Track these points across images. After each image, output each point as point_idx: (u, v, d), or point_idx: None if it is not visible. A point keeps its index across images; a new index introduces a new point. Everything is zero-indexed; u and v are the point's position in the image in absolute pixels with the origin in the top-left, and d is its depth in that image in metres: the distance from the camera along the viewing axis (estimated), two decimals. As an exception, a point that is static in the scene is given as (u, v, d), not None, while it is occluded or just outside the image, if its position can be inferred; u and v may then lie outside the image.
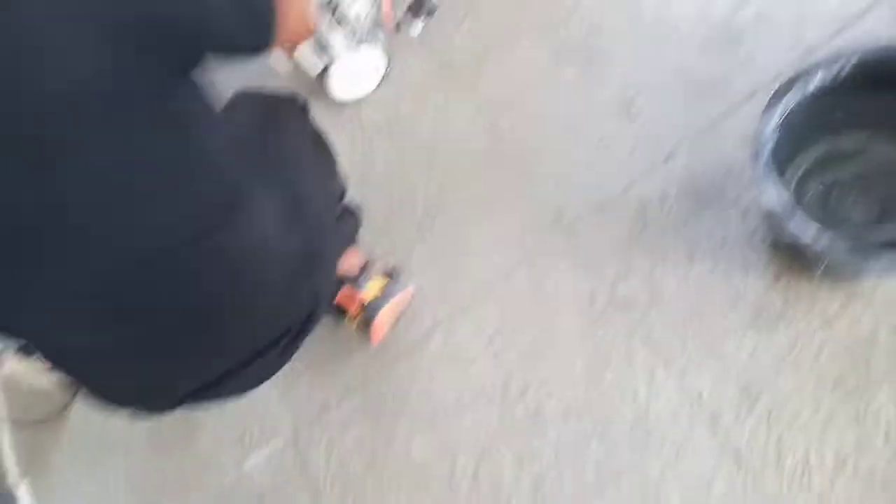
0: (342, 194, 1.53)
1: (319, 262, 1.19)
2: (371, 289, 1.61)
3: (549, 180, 1.66)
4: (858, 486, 1.24)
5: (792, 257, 1.39)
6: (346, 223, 1.57)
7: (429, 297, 1.68)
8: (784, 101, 1.25)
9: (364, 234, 1.78)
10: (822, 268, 1.31)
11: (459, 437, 1.53)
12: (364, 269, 1.66)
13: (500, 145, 1.75)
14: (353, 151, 1.92)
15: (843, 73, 1.27)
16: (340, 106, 1.96)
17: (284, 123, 1.32)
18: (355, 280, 1.62)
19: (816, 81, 1.27)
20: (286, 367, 1.72)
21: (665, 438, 1.38)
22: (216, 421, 1.79)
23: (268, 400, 1.75)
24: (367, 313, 1.60)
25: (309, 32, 1.11)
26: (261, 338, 1.12)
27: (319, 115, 1.91)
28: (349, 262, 1.63)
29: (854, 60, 1.25)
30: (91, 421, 1.97)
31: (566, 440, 1.45)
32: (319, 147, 1.44)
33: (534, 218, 1.65)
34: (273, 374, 1.23)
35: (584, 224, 1.59)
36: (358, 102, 1.96)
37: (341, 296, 1.63)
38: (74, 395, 2.02)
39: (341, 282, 1.62)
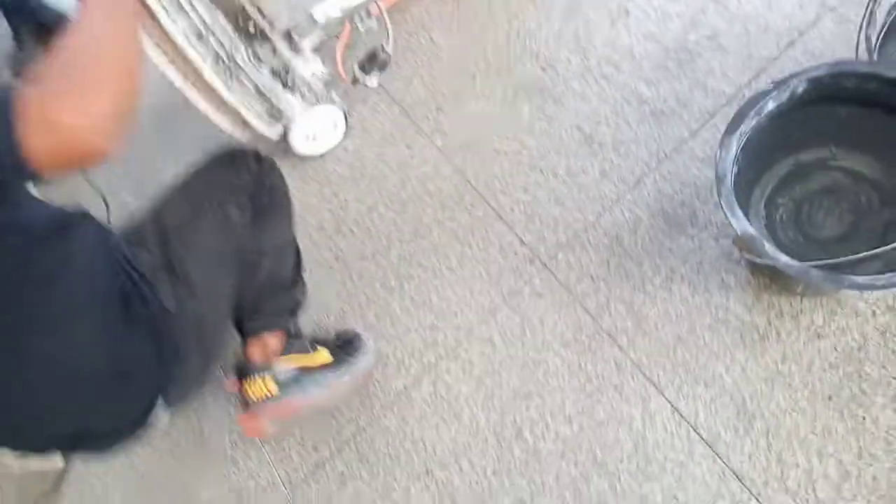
0: (275, 267, 1.38)
1: (171, 359, 1.11)
2: (257, 387, 1.40)
3: (521, 218, 1.57)
4: (864, 495, 1.16)
5: (771, 276, 1.31)
6: (275, 301, 1.41)
7: (413, 344, 1.56)
8: (740, 129, 1.17)
9: (341, 285, 1.67)
10: (801, 286, 1.23)
11: (458, 481, 1.42)
12: (280, 352, 1.43)
13: (467, 188, 1.65)
14: (321, 204, 1.80)
15: (797, 94, 1.20)
16: (305, 160, 1.85)
17: (220, 205, 1.22)
18: (254, 369, 1.41)
19: (770, 106, 1.19)
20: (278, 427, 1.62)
21: (665, 464, 1.28)
22: (211, 486, 1.65)
23: (261, 458, 1.62)
24: (245, 407, 1.43)
25: (102, 157, 0.77)
26: (87, 421, 1.08)
27: (286, 170, 1.81)
28: (264, 346, 1.42)
29: (805, 80, 1.18)
30: (85, 499, 1.81)
31: (567, 476, 1.34)
32: (268, 215, 1.32)
33: (509, 256, 1.54)
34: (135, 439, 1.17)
35: (561, 258, 1.49)
36: (322, 156, 1.85)
37: (228, 384, 1.47)
38: (64, 474, 1.87)
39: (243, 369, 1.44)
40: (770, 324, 1.30)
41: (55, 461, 1.87)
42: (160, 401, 1.12)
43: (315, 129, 1.75)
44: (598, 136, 1.56)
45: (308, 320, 1.66)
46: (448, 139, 1.72)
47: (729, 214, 1.10)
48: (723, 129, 1.17)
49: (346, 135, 1.84)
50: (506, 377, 1.45)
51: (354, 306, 1.65)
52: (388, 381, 1.55)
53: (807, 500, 1.18)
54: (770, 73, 1.45)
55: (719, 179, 1.12)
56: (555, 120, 1.62)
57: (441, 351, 1.53)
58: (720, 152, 1.14)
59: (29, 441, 1.10)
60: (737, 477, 1.23)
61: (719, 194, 1.12)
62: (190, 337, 1.13)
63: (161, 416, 1.14)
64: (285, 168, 1.76)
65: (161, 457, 1.75)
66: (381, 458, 1.50)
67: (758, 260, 1.08)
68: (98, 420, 1.09)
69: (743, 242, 1.09)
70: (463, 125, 1.72)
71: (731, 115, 1.18)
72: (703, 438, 1.27)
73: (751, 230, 1.08)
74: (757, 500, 1.21)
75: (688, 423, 1.29)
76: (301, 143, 1.77)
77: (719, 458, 1.25)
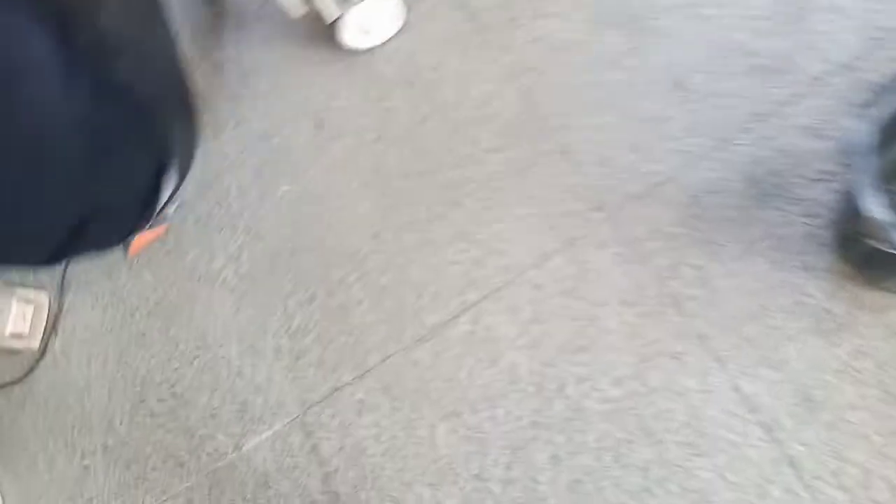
0: None
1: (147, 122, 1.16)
2: None
3: (590, 159, 1.46)
4: (922, 502, 1.16)
5: (861, 267, 1.25)
6: None
7: (454, 279, 1.47)
8: (883, 102, 1.09)
9: (377, 201, 1.56)
10: (898, 280, 1.19)
11: (490, 428, 1.37)
12: None
13: (534, 116, 1.53)
14: (364, 107, 1.66)
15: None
16: (351, 55, 1.69)
17: None
18: None
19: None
20: (294, 344, 1.53)
21: (718, 443, 1.25)
22: (210, 395, 1.57)
23: (271, 375, 1.54)
24: None
25: None
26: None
27: (326, 62, 1.66)
28: None
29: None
30: (60, 388, 1.71)
31: (609, 439, 1.30)
32: None
33: (573, 200, 1.45)
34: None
35: (630, 210, 1.41)
36: (371, 52, 1.69)
37: None
38: (40, 357, 1.75)
39: None
40: (849, 314, 1.25)
41: (29, 340, 1.74)
42: (167, 170, 1.15)
43: (372, 16, 1.59)
44: (691, 83, 1.45)
45: (339, 232, 1.56)
46: (517, 58, 1.58)
47: (860, 194, 1.03)
48: (829, 98, 1.10)
49: (401, 33, 1.68)
50: (554, 328, 1.39)
51: (391, 226, 1.54)
52: (422, 313, 1.47)
53: (861, 500, 1.17)
54: (888, 46, 1.36)
55: (855, 155, 1.05)
56: (643, 57, 1.50)
57: (485, 290, 1.45)
58: (860, 125, 1.06)
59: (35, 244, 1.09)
60: (792, 465, 1.21)
61: (854, 171, 1.04)
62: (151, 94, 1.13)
63: (171, 184, 1.17)
64: (330, 60, 1.61)
65: (148, 343, 1.66)
66: (406, 392, 1.44)
67: (884, 247, 1.02)
68: (103, 197, 1.10)
69: (870, 226, 1.03)
70: (537, 45, 1.58)
71: (842, 85, 1.10)
72: (761, 421, 1.24)
73: (882, 214, 1.02)
74: (809, 490, 1.19)
75: (748, 403, 1.25)
76: (353, 32, 1.61)
77: (776, 444, 1.23)
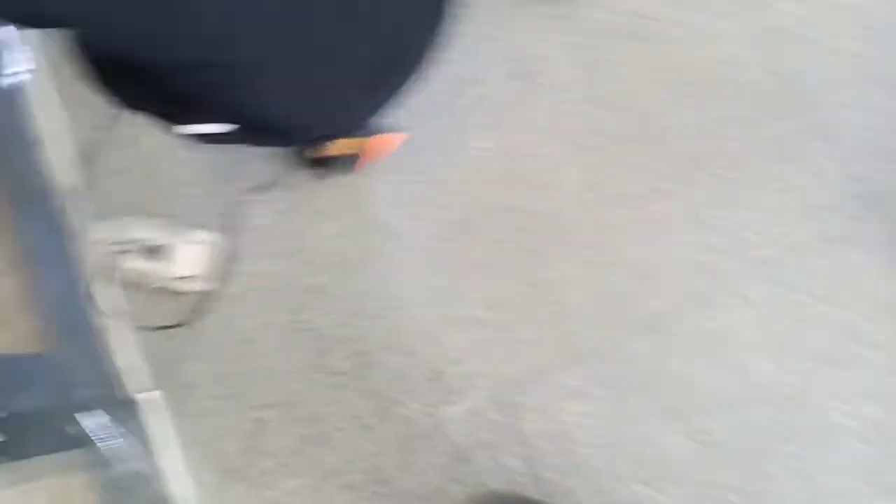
0: None
1: None
2: None
3: (851, 143, 1.30)
4: None
5: None
6: None
7: (681, 265, 1.34)
8: None
9: (589, 166, 1.41)
10: None
11: (722, 434, 1.28)
12: None
13: (790, 87, 1.35)
14: (576, 58, 1.48)
15: None
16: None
17: None
18: None
19: None
20: (494, 316, 1.43)
21: None
22: (399, 358, 1.49)
23: (467, 345, 1.44)
24: None
25: None
26: None
27: (536, 5, 1.47)
28: None
29: None
30: (231, 336, 1.63)
31: (866, 461, 1.21)
32: None
33: (836, 190, 1.30)
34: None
35: (901, 206, 1.26)
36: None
37: None
38: (210, 301, 1.68)
39: None
40: None
41: (199, 282, 1.66)
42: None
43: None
44: None
45: (540, 198, 1.42)
46: (774, 17, 1.38)
47: None
48: None
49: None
50: (805, 334, 1.27)
51: (604, 198, 1.40)
52: (643, 301, 1.36)
53: None
54: None
55: None
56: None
57: (719, 281, 1.33)
58: None
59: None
60: None
61: None
62: None
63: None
64: (539, 2, 1.42)
65: (329, 297, 1.56)
66: (624, 384, 1.35)
67: None
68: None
69: None
70: (799, 2, 1.37)
71: None
72: None
73: None
74: None
75: None
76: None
77: None
